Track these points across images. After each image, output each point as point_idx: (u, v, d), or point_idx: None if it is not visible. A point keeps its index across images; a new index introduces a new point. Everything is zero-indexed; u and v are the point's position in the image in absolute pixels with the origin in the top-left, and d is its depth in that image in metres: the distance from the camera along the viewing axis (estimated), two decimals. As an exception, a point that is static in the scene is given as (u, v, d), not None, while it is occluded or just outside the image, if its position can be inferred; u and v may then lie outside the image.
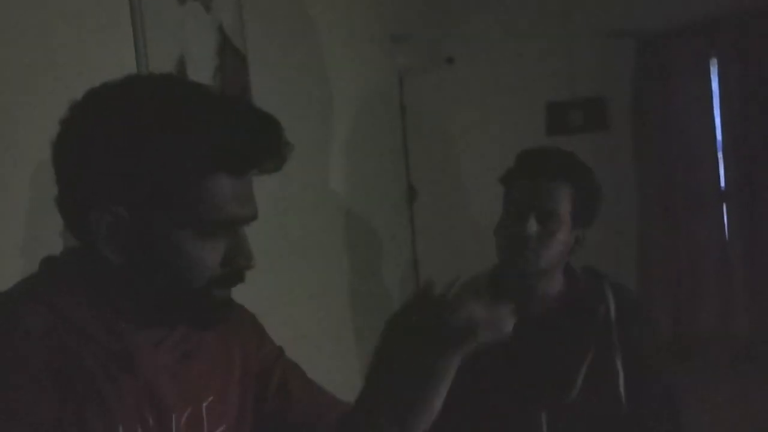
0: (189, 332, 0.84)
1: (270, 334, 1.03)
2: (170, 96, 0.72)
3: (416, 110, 4.08)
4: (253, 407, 0.93)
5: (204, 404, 0.84)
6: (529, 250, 1.32)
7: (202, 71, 1.92)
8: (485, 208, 4.16)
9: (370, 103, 3.19)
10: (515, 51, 3.97)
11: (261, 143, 0.72)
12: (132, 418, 0.75)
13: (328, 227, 2.74)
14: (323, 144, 2.71)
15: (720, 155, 3.50)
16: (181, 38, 1.85)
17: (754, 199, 3.39)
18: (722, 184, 3.50)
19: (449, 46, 4.07)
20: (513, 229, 1.33)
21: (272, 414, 0.94)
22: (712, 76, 3.47)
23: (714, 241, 3.53)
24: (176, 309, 0.78)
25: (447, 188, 4.28)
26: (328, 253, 2.72)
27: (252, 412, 0.93)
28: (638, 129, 3.63)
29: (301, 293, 2.50)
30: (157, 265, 0.73)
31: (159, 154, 0.70)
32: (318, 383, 1.02)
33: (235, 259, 0.77)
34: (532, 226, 1.32)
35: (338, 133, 2.86)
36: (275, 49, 2.38)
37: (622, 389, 1.32)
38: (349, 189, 2.91)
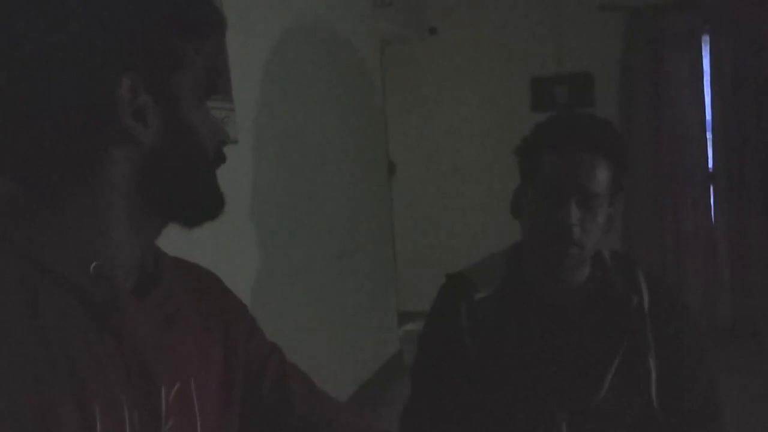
0: (170, 290, 0.75)
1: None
2: None
3: (397, 82, 3.92)
4: (244, 402, 0.83)
5: (192, 381, 0.74)
6: (574, 245, 1.11)
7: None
8: (463, 183, 4.12)
9: (351, 72, 3.02)
10: (500, 23, 3.83)
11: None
12: (114, 390, 0.63)
13: (307, 204, 2.59)
14: (302, 112, 2.55)
15: (709, 136, 3.41)
16: None
17: (742, 182, 3.32)
18: (710, 165, 3.43)
19: (432, 16, 3.91)
20: (549, 215, 1.11)
21: (271, 412, 0.86)
22: (703, 53, 3.36)
23: (700, 223, 3.46)
24: (197, 192, 0.74)
25: (426, 162, 4.15)
26: (309, 229, 2.58)
27: (243, 407, 0.83)
28: (625, 106, 3.52)
29: (285, 268, 2.37)
30: (182, 138, 0.70)
31: (148, 14, 0.67)
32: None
33: (217, 133, 0.76)
34: (575, 213, 1.10)
35: (318, 102, 2.70)
36: (255, 14, 2.21)
37: (654, 392, 1.17)
38: (328, 161, 2.76)
